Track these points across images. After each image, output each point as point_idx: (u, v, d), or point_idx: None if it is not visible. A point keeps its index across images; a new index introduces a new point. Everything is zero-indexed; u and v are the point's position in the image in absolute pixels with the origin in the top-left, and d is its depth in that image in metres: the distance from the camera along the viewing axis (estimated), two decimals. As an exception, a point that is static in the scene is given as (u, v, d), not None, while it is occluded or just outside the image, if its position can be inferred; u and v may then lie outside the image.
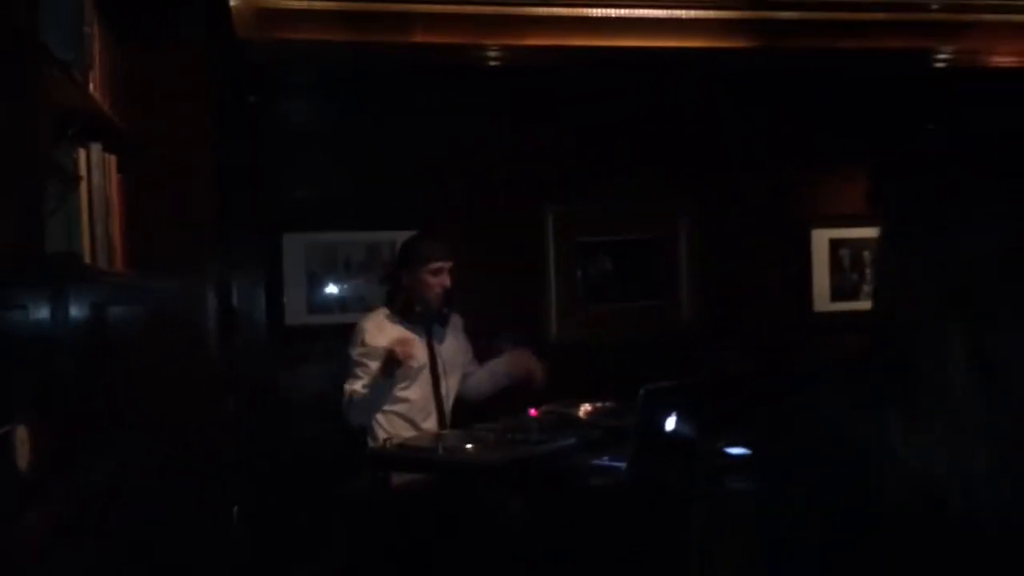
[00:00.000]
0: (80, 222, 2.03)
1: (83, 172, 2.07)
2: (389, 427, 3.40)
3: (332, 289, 4.45)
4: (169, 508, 2.75)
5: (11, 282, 1.72)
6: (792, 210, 4.92)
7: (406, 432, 3.38)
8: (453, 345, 3.64)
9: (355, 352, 3.46)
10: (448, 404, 3.55)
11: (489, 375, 3.70)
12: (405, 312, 3.52)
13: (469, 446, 2.92)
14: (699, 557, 2.86)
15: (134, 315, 2.73)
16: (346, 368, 3.48)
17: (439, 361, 3.53)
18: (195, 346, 2.89)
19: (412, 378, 3.44)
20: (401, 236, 4.41)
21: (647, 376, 3.02)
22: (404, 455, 2.98)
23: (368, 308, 4.38)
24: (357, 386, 3.36)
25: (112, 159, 2.32)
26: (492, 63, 3.94)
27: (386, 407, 3.41)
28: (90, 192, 2.11)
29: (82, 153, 2.08)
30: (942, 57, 4.02)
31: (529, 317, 4.61)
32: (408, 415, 3.44)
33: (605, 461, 2.98)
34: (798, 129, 4.85)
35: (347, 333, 4.35)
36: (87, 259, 2.08)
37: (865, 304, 4.97)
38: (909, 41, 3.94)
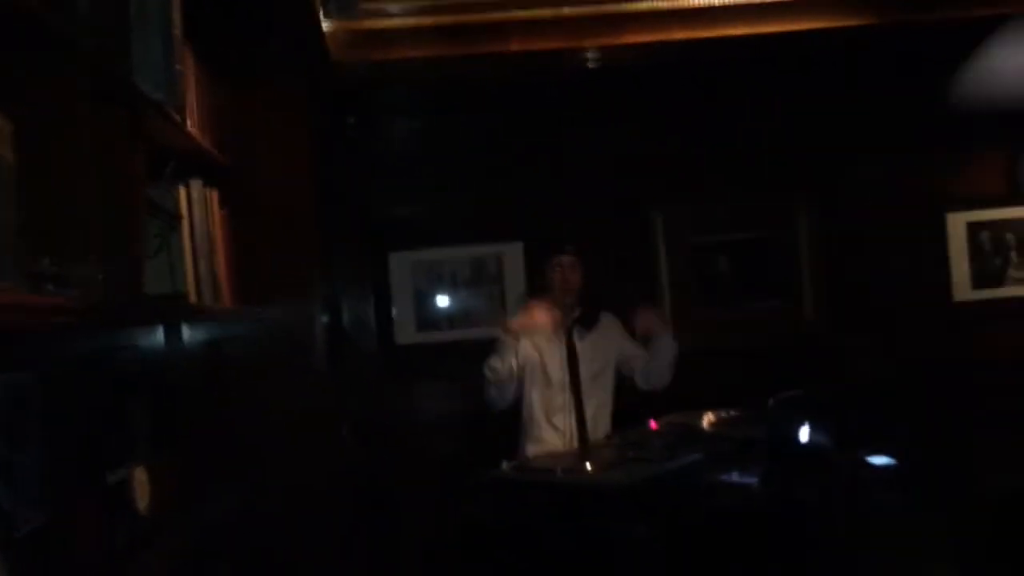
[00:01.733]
0: (184, 260, 2.02)
1: (184, 210, 2.05)
2: (531, 423, 3.39)
3: (440, 306, 4.41)
4: (290, 536, 2.74)
5: (117, 324, 1.71)
6: (922, 194, 4.58)
7: (544, 431, 3.37)
8: (601, 348, 3.53)
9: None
10: (590, 408, 3.44)
11: (650, 366, 3.56)
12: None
13: (589, 466, 2.79)
14: (843, 578, 2.65)
15: (245, 347, 2.74)
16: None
17: (579, 363, 3.45)
18: (307, 372, 2.89)
19: (549, 376, 3.41)
20: (506, 249, 4.38)
21: (769, 383, 2.82)
22: (522, 478, 2.87)
23: (474, 324, 4.36)
24: (491, 361, 3.35)
25: (213, 194, 2.31)
26: (591, 65, 3.81)
27: (524, 409, 3.40)
28: (192, 229, 2.09)
29: (182, 191, 2.07)
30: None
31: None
32: (546, 415, 3.39)
33: (735, 477, 2.80)
34: (924, 106, 4.50)
35: (456, 351, 4.34)
36: (192, 297, 2.06)
37: (1013, 290, 4.58)
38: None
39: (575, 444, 3.34)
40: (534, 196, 4.39)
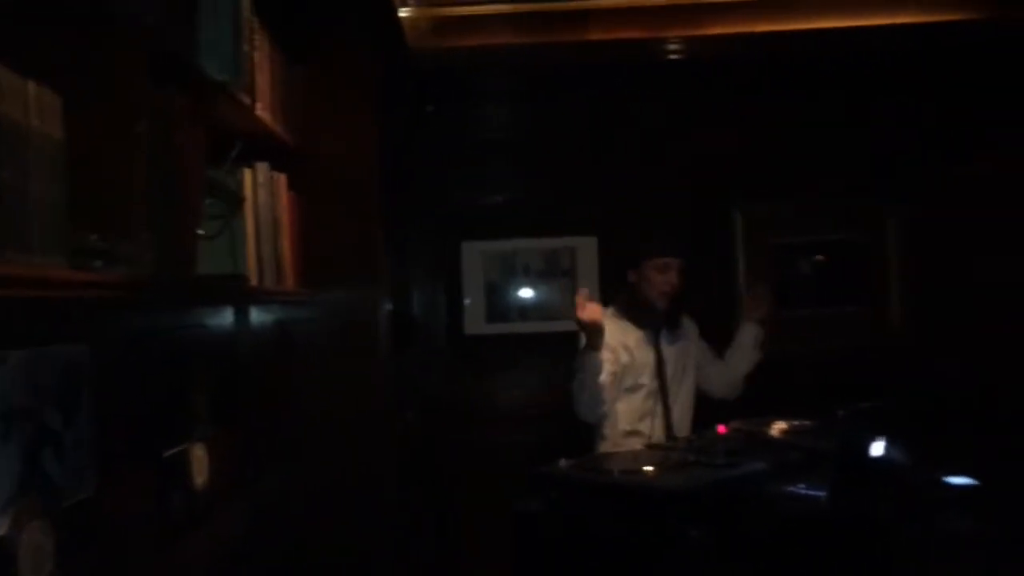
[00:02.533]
0: (245, 242, 2.04)
1: (248, 192, 2.07)
2: (614, 430, 3.29)
3: (511, 297, 4.38)
4: (344, 519, 2.77)
5: (169, 302, 1.74)
6: (1019, 200, 4.31)
7: (626, 436, 3.28)
8: (685, 350, 3.44)
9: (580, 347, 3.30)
10: (676, 412, 3.37)
11: (728, 370, 3.50)
12: (629, 311, 3.36)
13: (648, 468, 2.72)
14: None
15: (311, 330, 2.77)
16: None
17: (666, 367, 3.35)
18: (371, 358, 2.89)
19: (637, 380, 3.29)
20: (580, 242, 4.32)
21: (850, 391, 2.70)
22: (578, 476, 2.82)
23: (547, 317, 4.32)
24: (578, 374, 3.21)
25: (281, 178, 2.33)
26: (673, 56, 3.72)
27: (611, 412, 3.28)
28: (256, 211, 2.11)
29: (247, 173, 2.09)
30: None
31: (719, 325, 4.32)
32: (630, 420, 3.31)
33: (802, 489, 2.68)
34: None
35: (526, 342, 4.31)
36: (254, 279, 2.08)
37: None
38: None
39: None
40: (611, 190, 4.32)
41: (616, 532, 2.64)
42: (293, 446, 2.63)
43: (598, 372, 3.14)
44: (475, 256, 4.34)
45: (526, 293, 4.37)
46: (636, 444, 3.25)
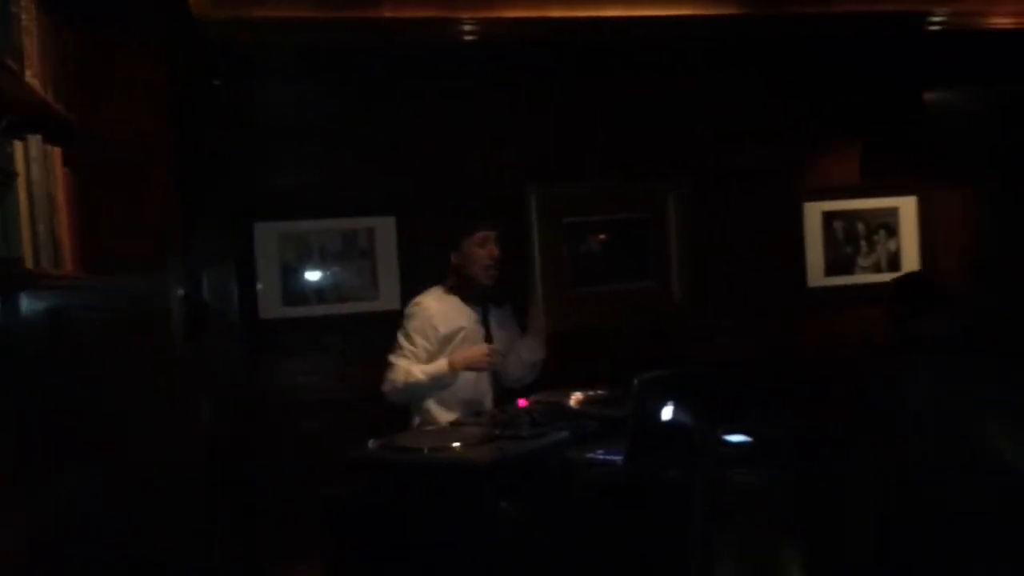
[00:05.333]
0: (18, 222, 1.85)
1: (20, 168, 1.88)
2: (439, 409, 3.32)
3: (308, 279, 4.27)
4: (144, 516, 2.60)
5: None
6: (783, 183, 4.77)
7: (452, 409, 3.32)
8: (508, 326, 3.52)
9: (411, 326, 3.33)
10: (500, 388, 3.44)
11: (520, 362, 3.57)
12: (459, 290, 3.41)
13: (456, 444, 2.76)
14: (700, 552, 2.73)
15: (94, 319, 2.56)
16: (392, 344, 3.36)
17: (495, 344, 3.39)
18: (162, 347, 2.74)
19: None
20: (378, 222, 4.27)
21: (639, 362, 2.87)
22: (389, 456, 2.81)
23: (344, 298, 4.25)
24: (415, 370, 3.24)
25: (56, 152, 2.13)
26: (468, 38, 3.75)
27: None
28: (30, 188, 1.92)
29: (18, 146, 1.89)
30: (936, 20, 3.84)
31: (514, 301, 4.45)
32: (463, 397, 3.34)
33: (600, 455, 2.83)
34: (788, 100, 4.70)
35: (325, 325, 4.22)
36: (29, 263, 1.89)
37: (861, 277, 4.84)
38: (902, 4, 3.77)
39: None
40: (409, 170, 4.31)
41: (429, 510, 2.66)
42: (85, 445, 2.42)
43: (440, 388, 3.28)
44: (270, 237, 4.19)
45: (324, 275, 4.27)
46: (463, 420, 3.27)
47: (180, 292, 2.81)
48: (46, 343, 2.24)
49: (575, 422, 3.05)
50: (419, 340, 3.31)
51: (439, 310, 3.36)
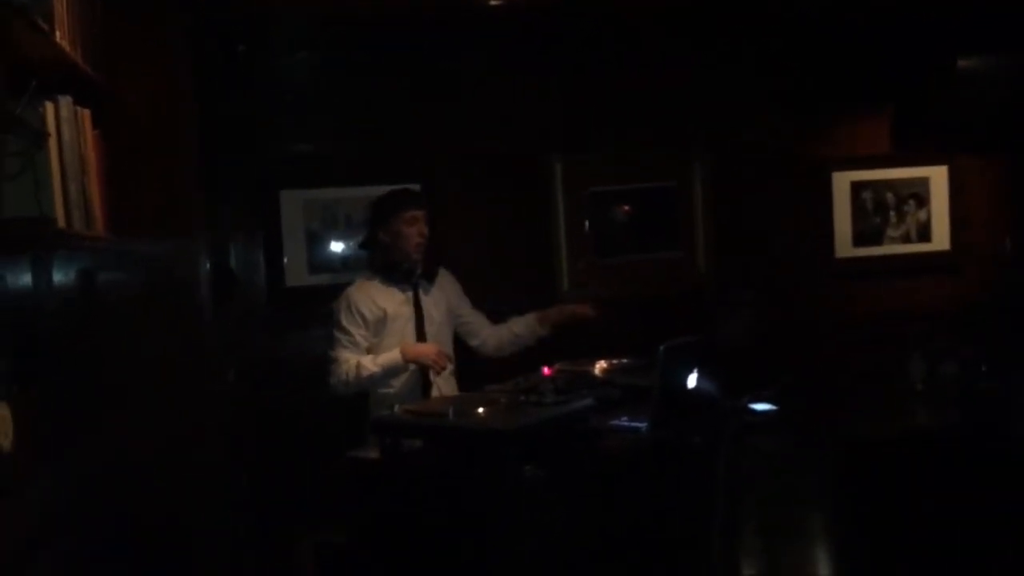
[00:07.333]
0: (51, 182, 1.86)
1: (51, 128, 1.89)
2: (376, 393, 3.35)
3: (333, 248, 4.28)
4: (171, 480, 2.64)
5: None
6: (811, 153, 4.71)
7: (385, 387, 3.33)
8: (442, 303, 3.52)
9: (340, 319, 3.36)
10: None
11: (514, 337, 3.61)
12: (387, 271, 3.43)
13: (481, 410, 2.78)
14: (723, 519, 2.74)
15: (122, 281, 2.59)
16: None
17: (425, 320, 3.42)
18: (189, 312, 2.75)
19: (402, 338, 3.36)
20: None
21: (663, 331, 2.86)
22: (414, 421, 2.84)
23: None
24: (367, 362, 3.26)
25: (85, 113, 2.14)
26: (493, 3, 3.72)
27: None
28: (61, 149, 1.93)
29: (50, 107, 1.91)
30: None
31: (539, 271, 4.44)
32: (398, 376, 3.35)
33: (624, 421, 2.83)
34: (817, 67, 4.62)
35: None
36: (61, 223, 1.91)
37: (890, 248, 4.79)
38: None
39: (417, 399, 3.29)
40: (434, 138, 4.30)
41: (453, 474, 2.68)
42: (113, 408, 2.46)
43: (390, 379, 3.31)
44: (296, 205, 4.20)
45: (349, 243, 4.28)
46: (394, 399, 3.27)
47: (207, 260, 2.83)
48: (77, 304, 2.27)
49: (599, 390, 3.06)
50: (353, 330, 3.34)
51: (361, 297, 3.38)
